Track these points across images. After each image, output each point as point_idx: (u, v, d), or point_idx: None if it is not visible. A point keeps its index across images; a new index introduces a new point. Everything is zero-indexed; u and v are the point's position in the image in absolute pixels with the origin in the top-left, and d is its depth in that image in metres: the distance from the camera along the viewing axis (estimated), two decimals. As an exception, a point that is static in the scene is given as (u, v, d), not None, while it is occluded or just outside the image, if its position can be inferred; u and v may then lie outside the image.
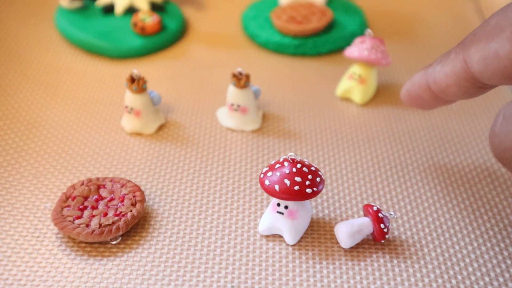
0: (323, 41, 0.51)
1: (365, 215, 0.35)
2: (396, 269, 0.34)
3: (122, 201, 0.36)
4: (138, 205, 0.35)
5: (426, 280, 0.33)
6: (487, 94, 0.48)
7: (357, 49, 0.45)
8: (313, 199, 0.38)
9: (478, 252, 0.35)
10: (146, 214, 0.37)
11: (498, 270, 0.34)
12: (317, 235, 0.36)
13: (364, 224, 0.34)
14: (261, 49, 0.53)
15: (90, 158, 0.41)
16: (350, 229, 0.34)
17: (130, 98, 0.42)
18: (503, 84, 0.29)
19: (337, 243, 0.35)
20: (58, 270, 0.33)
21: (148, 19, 0.51)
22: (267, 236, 0.35)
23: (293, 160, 0.33)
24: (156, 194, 0.38)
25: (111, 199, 0.36)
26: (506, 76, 0.28)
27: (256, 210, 0.37)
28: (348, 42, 0.51)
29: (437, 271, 0.34)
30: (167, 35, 0.52)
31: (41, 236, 0.35)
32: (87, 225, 0.34)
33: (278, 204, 0.34)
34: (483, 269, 0.34)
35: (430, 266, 0.34)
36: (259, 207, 0.37)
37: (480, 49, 0.29)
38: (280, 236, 0.35)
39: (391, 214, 0.35)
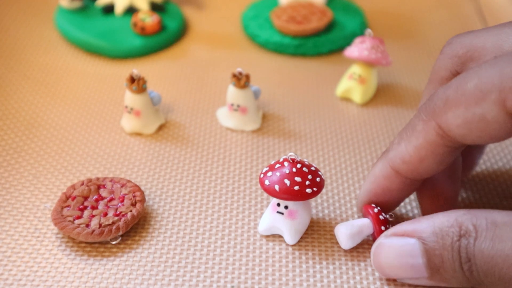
0: (323, 41, 0.51)
1: (365, 216, 0.35)
2: (396, 269, 0.34)
3: (122, 201, 0.36)
4: (138, 205, 0.35)
5: (426, 280, 0.33)
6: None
7: (357, 49, 0.45)
8: (313, 199, 0.38)
9: (478, 252, 0.35)
10: (146, 214, 0.37)
11: (498, 270, 0.34)
12: (317, 235, 0.36)
13: (364, 225, 0.34)
14: (261, 49, 0.53)
15: (90, 158, 0.41)
16: (350, 230, 0.34)
17: (130, 98, 0.42)
18: (489, 143, 0.29)
19: (337, 243, 0.35)
20: (58, 270, 0.33)
21: (148, 19, 0.51)
22: (267, 236, 0.35)
23: (293, 160, 0.33)
24: (156, 194, 0.38)
25: (111, 199, 0.36)
26: (493, 137, 0.28)
27: (256, 210, 0.37)
28: (348, 42, 0.51)
29: (437, 271, 0.34)
30: (167, 35, 0.52)
31: (41, 236, 0.35)
32: (87, 225, 0.34)
33: (278, 204, 0.34)
34: (483, 269, 0.34)
35: (430, 266, 0.34)
36: (259, 207, 0.37)
37: (460, 114, 0.28)
38: (280, 236, 0.35)
39: (391, 215, 0.35)
